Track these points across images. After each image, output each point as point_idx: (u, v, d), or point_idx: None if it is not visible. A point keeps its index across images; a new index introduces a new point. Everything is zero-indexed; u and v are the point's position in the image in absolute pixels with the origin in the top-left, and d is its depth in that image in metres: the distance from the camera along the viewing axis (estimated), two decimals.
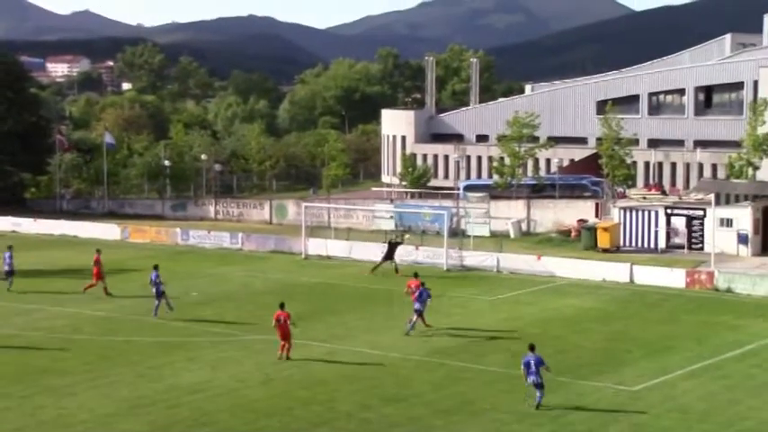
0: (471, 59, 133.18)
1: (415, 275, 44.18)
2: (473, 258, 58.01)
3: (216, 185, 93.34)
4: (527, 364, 31.36)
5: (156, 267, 45.28)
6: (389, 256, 55.57)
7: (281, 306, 37.94)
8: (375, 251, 60.23)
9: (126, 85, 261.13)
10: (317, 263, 60.02)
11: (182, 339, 40.41)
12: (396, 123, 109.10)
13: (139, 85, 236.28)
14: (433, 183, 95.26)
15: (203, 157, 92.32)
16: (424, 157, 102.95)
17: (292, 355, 37.19)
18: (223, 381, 34.42)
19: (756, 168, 69.44)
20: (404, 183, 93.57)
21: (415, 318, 41.31)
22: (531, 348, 31.85)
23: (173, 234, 68.70)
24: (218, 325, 43.00)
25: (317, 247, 62.56)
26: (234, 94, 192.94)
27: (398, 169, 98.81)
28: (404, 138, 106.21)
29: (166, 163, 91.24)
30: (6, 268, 51.42)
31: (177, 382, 34.26)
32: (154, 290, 44.74)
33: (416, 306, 41.26)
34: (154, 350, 38.71)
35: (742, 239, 59.56)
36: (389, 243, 56.43)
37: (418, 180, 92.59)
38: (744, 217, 59.74)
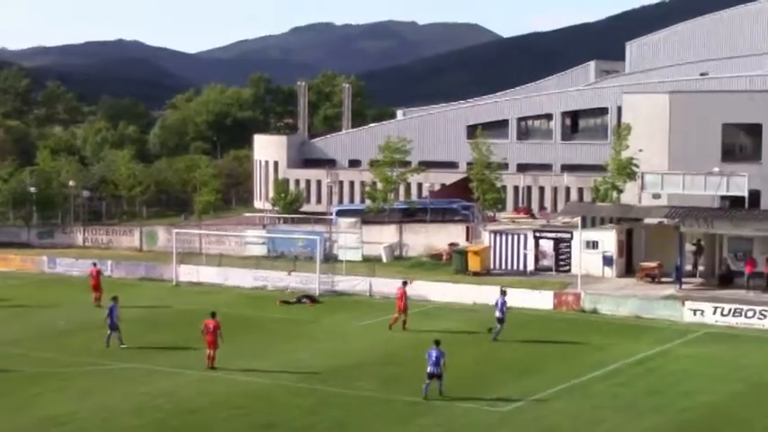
0: (343, 85, 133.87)
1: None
2: (345, 283, 58.21)
3: (84, 212, 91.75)
4: (429, 356, 35.03)
5: (114, 299, 44.55)
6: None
7: (212, 315, 39.76)
8: (246, 277, 60.15)
9: None
10: (189, 290, 59.46)
11: (49, 370, 39.52)
12: (268, 148, 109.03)
13: (4, 110, 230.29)
14: (305, 208, 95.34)
15: (71, 183, 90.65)
16: (297, 182, 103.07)
17: (217, 364, 39.01)
18: (92, 411, 33.78)
19: (620, 191, 71.16)
20: (276, 208, 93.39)
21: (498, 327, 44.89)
22: (437, 343, 35.37)
23: (39, 262, 67.27)
24: (87, 354, 42.18)
25: (188, 273, 62.05)
26: (103, 119, 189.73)
27: (271, 194, 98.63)
28: (276, 163, 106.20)
29: (32, 189, 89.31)
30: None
31: (45, 413, 33.47)
32: (109, 321, 43.66)
33: (497, 315, 44.92)
34: (20, 382, 37.77)
35: (607, 261, 60.95)
36: None
37: (291, 205, 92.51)
38: (609, 239, 61.17)
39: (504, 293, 46.09)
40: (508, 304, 45.58)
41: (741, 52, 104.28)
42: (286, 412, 33.81)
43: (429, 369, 34.94)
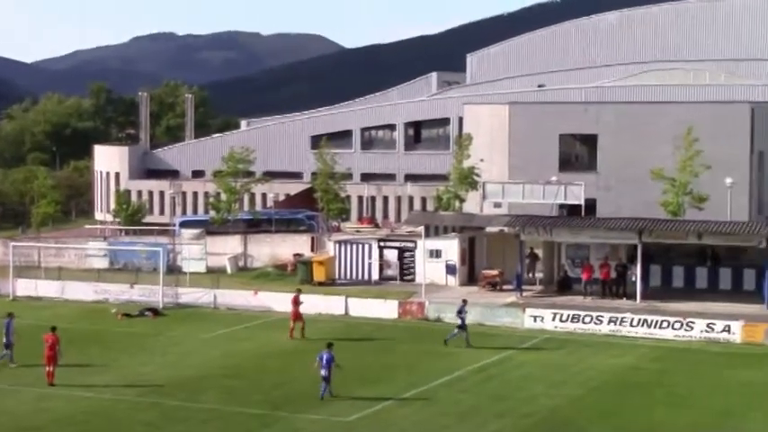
0: (186, 95, 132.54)
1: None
2: (189, 295, 57.48)
3: None
4: (321, 358, 36.45)
5: (10, 315, 42.71)
6: None
7: (52, 329, 39.25)
8: (87, 290, 58.95)
9: None
10: (27, 304, 57.71)
11: None
12: (109, 159, 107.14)
13: None
14: (148, 219, 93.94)
15: None
16: (139, 193, 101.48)
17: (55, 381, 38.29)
18: None
19: (462, 201, 72.27)
20: (118, 220, 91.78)
21: (456, 332, 45.70)
22: (328, 346, 37.01)
23: None
24: None
25: (26, 287, 60.34)
26: None
27: (112, 206, 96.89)
28: (117, 174, 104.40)
29: None
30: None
31: None
32: (5, 339, 41.87)
33: (459, 322, 45.94)
34: None
35: (450, 270, 61.73)
36: None
37: (133, 217, 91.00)
38: (451, 248, 61.97)
39: (464, 302, 46.89)
40: (468, 312, 46.59)
41: (576, 65, 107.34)
42: (128, 428, 33.23)
43: (322, 372, 36.12)
